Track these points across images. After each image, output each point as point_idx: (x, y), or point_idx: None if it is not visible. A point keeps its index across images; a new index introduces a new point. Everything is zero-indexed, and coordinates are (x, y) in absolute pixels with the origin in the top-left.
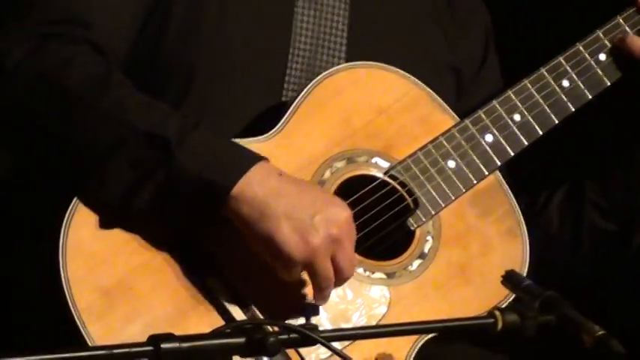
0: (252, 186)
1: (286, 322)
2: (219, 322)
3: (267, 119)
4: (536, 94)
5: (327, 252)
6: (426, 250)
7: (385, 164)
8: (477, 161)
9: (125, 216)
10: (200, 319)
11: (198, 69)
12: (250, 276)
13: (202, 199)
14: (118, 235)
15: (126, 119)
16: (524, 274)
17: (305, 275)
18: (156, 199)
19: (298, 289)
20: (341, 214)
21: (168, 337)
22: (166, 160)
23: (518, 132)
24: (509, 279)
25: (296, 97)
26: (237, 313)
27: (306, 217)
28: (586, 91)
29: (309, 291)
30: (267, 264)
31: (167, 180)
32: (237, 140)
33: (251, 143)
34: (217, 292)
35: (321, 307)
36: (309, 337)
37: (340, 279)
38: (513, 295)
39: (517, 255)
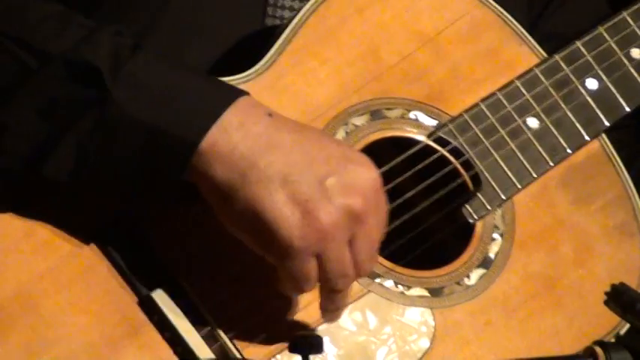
0: (229, 134)
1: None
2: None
3: (246, 52)
4: None
5: (345, 235)
6: (491, 255)
7: (430, 121)
8: (574, 119)
9: (26, 189)
10: (140, 354)
11: None
12: (224, 286)
13: (153, 160)
14: (13, 223)
15: (28, 40)
16: None
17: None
18: (78, 161)
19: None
20: (366, 176)
21: None
22: (96, 100)
23: (637, 74)
24: (617, 297)
25: (292, 19)
26: (199, 345)
27: (312, 180)
28: None
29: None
30: (247, 263)
31: (96, 130)
32: None
33: None
34: (168, 310)
35: (328, 339)
36: None
37: (355, 275)
38: (627, 325)
39: (633, 264)
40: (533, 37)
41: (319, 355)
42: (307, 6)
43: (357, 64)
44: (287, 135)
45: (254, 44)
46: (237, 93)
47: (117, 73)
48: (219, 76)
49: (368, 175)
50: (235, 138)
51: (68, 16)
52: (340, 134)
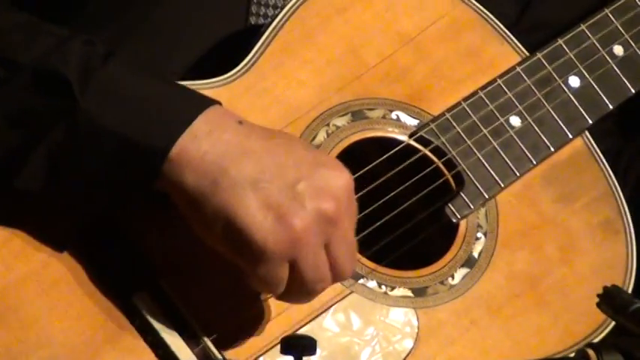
0: (199, 141)
1: None
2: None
3: (227, 53)
4: None
5: (319, 238)
6: (475, 254)
7: (411, 121)
8: (556, 117)
9: (3, 199)
10: (121, 358)
11: None
12: (207, 288)
13: (123, 169)
14: None
15: None
16: (630, 289)
17: None
18: (49, 172)
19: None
20: (337, 179)
21: None
22: (66, 110)
23: (619, 72)
24: (609, 299)
25: (273, 19)
26: (180, 348)
27: (283, 185)
28: None
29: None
30: (228, 264)
31: (67, 141)
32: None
33: (200, 88)
34: (149, 314)
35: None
36: None
37: (334, 279)
38: (612, 323)
39: (618, 261)
40: (521, 26)
41: (311, 357)
42: (287, 7)
43: (337, 64)
44: (257, 141)
45: (239, 44)
46: (207, 102)
47: (86, 83)
48: (202, 77)
49: (340, 178)
50: (205, 145)
51: (38, 25)
52: (321, 135)
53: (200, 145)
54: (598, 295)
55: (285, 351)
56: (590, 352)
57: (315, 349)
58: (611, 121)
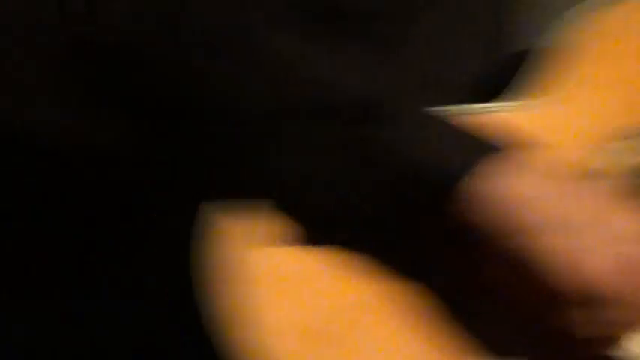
0: (491, 180)
1: None
2: None
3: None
4: None
5: (615, 286)
6: None
7: None
8: None
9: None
10: None
11: None
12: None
13: (409, 196)
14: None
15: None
16: None
17: None
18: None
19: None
20: (632, 224)
21: None
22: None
23: None
24: None
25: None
26: None
27: (580, 229)
28: None
29: None
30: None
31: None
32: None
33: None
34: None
35: None
36: None
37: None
38: None
39: None
40: None
41: None
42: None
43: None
44: (551, 186)
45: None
46: (498, 144)
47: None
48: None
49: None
50: (501, 183)
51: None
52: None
53: (495, 183)
54: None
55: None
56: None
57: None
58: None
